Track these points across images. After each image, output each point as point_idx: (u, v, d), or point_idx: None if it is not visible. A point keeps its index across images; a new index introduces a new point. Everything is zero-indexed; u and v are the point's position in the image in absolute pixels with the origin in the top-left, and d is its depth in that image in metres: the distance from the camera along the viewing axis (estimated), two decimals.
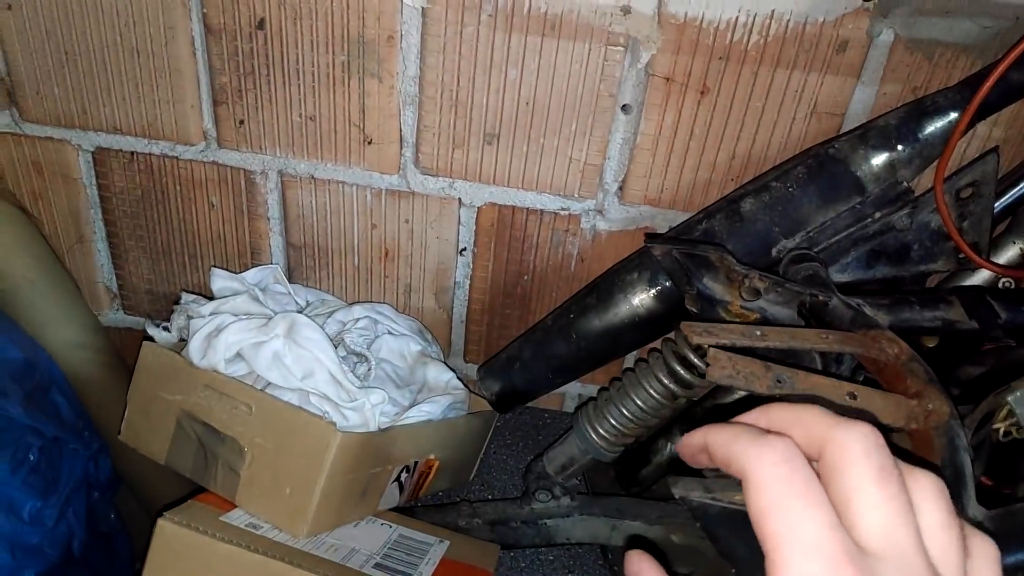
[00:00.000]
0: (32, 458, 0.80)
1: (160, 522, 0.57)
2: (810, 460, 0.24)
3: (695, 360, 0.55)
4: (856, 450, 0.23)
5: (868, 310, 0.54)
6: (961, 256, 0.71)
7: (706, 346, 0.45)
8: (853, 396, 0.44)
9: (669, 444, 0.84)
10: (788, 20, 0.75)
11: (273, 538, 0.60)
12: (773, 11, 0.74)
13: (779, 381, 0.44)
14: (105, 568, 1.00)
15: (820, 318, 0.54)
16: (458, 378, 0.83)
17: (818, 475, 0.23)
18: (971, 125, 0.67)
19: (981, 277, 0.75)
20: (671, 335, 0.63)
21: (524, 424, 1.00)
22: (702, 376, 0.65)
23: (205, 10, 0.79)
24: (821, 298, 0.54)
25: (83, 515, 0.91)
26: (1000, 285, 0.75)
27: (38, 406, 0.83)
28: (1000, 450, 0.54)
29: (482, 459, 0.93)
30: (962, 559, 0.23)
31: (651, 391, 0.64)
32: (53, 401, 0.88)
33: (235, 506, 0.63)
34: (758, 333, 0.48)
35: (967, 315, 0.55)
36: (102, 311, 1.02)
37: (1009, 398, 0.48)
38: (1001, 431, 0.50)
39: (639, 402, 0.65)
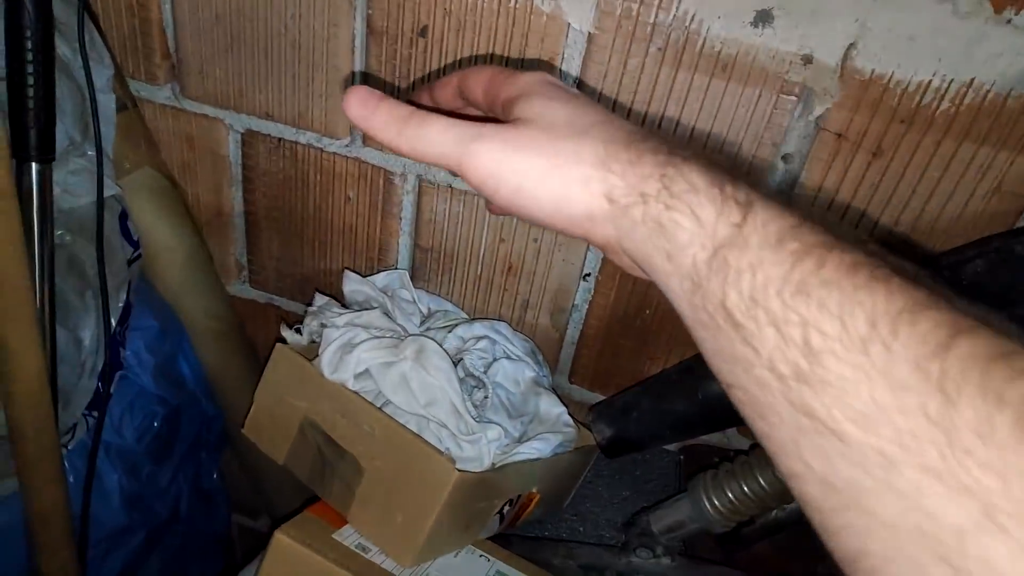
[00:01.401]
0: (156, 425, 0.84)
1: (277, 535, 0.59)
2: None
3: None
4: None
5: None
6: None
7: None
8: None
9: (776, 508, 0.81)
10: (988, 91, 0.68)
11: (380, 563, 0.61)
12: (972, 80, 0.68)
13: None
14: (205, 523, 1.06)
15: None
16: (568, 413, 0.81)
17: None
18: None
19: None
20: None
21: (621, 456, 0.98)
22: None
23: (370, 11, 0.79)
24: None
25: (191, 477, 0.96)
26: None
27: (166, 374, 0.87)
28: None
29: (576, 489, 0.92)
30: None
31: (779, 475, 0.61)
32: (179, 369, 0.92)
33: (346, 522, 0.65)
34: None
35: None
36: (230, 282, 1.05)
37: None
38: None
39: (765, 485, 0.62)
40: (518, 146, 0.34)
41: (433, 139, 0.35)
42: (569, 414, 0.82)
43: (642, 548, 0.72)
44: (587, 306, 0.93)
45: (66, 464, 0.72)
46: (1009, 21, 0.65)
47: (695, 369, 0.74)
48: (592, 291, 0.92)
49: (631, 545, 0.72)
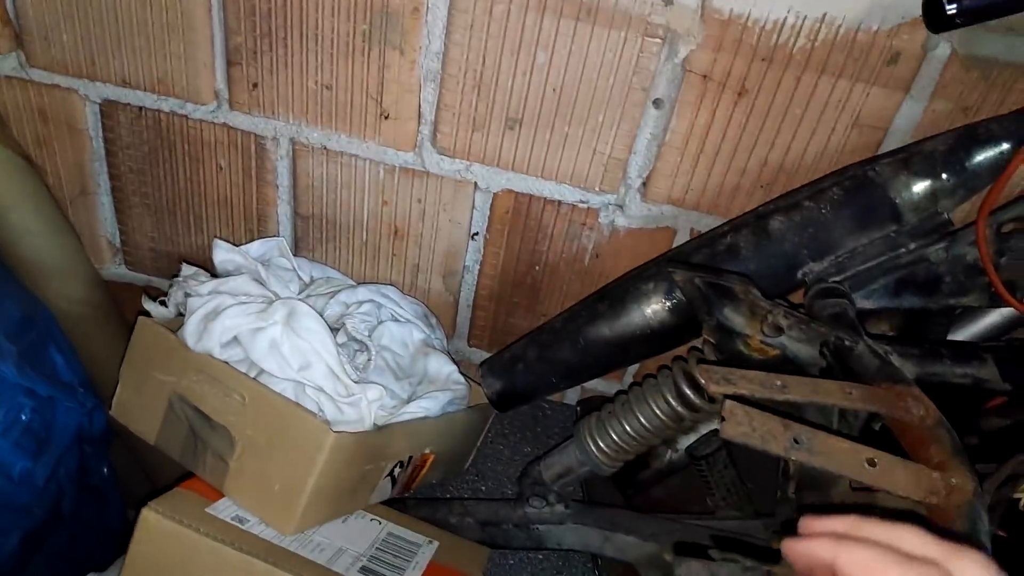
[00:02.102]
0: (24, 418, 0.79)
1: (144, 512, 0.56)
2: None
3: (690, 396, 0.53)
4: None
5: (895, 359, 0.51)
6: (994, 293, 0.67)
7: (721, 396, 0.43)
8: (872, 463, 0.41)
9: (669, 452, 0.82)
10: (840, 26, 0.70)
11: (259, 534, 0.59)
12: (825, 15, 0.70)
13: (796, 442, 0.41)
14: (95, 521, 1.01)
15: (843, 362, 0.51)
16: (460, 371, 0.81)
17: None
18: None
19: (1007, 315, 0.72)
20: (683, 356, 0.61)
21: (522, 415, 0.98)
22: (712, 400, 0.62)
23: None
24: (847, 343, 0.51)
25: (74, 472, 0.91)
26: None
27: (33, 364, 0.82)
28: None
29: (478, 449, 0.91)
30: None
31: (657, 411, 0.62)
32: (50, 358, 0.87)
33: (222, 495, 0.62)
34: (778, 384, 0.45)
35: (1000, 376, 0.52)
36: (103, 265, 1.00)
37: None
38: (1022, 501, 0.47)
39: (644, 421, 0.63)
40: None
41: None
42: (461, 372, 0.81)
43: (535, 497, 0.72)
44: (478, 267, 0.92)
45: None
46: None
47: (577, 316, 0.74)
48: (482, 251, 0.91)
49: (524, 495, 0.73)
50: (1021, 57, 0.69)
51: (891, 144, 0.75)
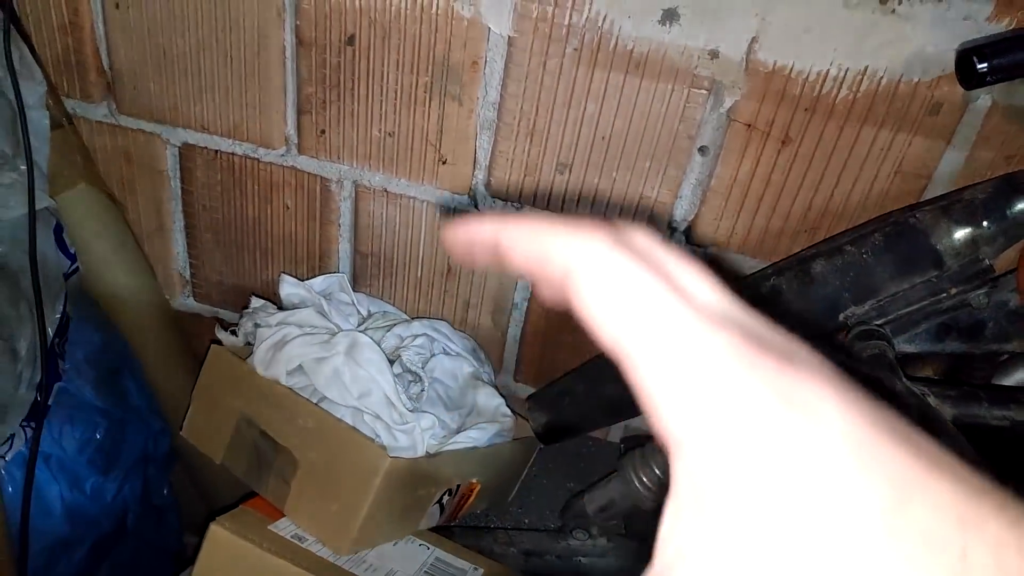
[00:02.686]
0: (98, 437, 0.85)
1: (212, 527, 0.60)
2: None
3: None
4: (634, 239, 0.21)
5: (933, 400, 0.52)
6: None
7: None
8: None
9: None
10: (881, 77, 0.73)
11: (316, 552, 0.62)
12: (867, 67, 0.72)
13: None
14: (155, 538, 1.05)
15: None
16: (507, 404, 0.83)
17: None
18: None
19: None
20: None
21: (566, 450, 1.00)
22: None
23: (298, 22, 0.81)
24: (886, 384, 0.52)
25: (139, 490, 0.96)
26: None
27: (108, 387, 0.88)
28: None
29: (522, 482, 0.93)
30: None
31: (646, 481, 0.64)
32: (122, 383, 0.92)
33: (283, 515, 0.66)
34: None
35: None
36: (174, 296, 1.06)
37: None
38: None
39: None
40: None
41: None
42: (508, 406, 0.84)
43: (578, 530, 0.74)
44: (526, 304, 0.96)
45: (3, 474, 0.72)
46: (893, 11, 0.69)
47: (601, 367, 0.76)
48: (530, 289, 0.94)
49: (568, 527, 0.74)
50: None
51: (934, 191, 0.77)
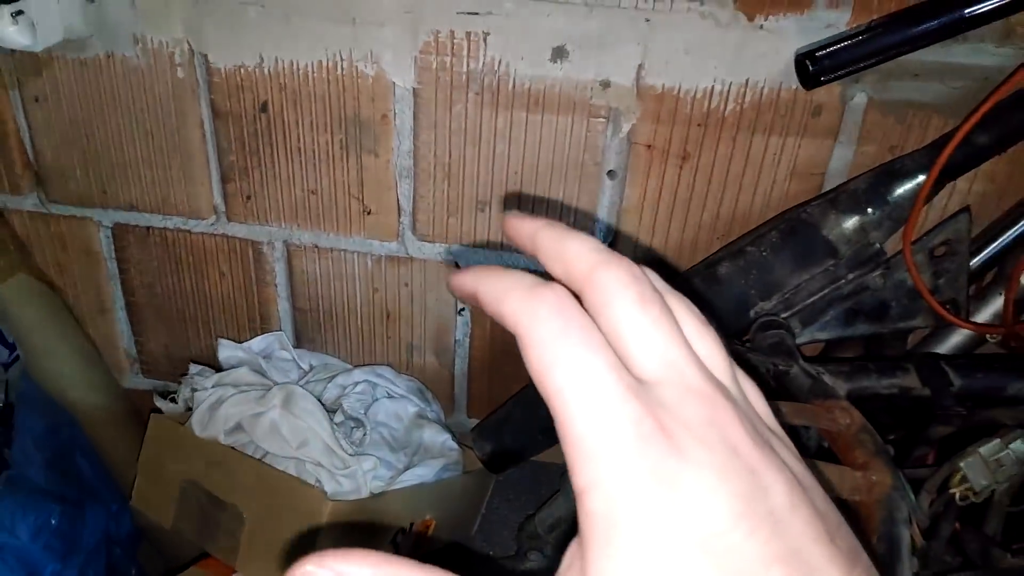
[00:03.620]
0: (53, 522, 0.85)
1: None
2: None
3: None
4: (614, 286, 0.22)
5: (827, 378, 0.56)
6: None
7: None
8: None
9: None
10: (763, 88, 0.78)
11: None
12: (747, 80, 0.77)
13: None
14: None
15: (782, 386, 0.56)
16: (454, 439, 0.85)
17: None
18: (938, 187, 0.69)
19: (963, 334, 0.76)
20: None
21: (526, 478, 1.02)
22: None
23: (212, 96, 0.85)
24: (782, 367, 0.56)
25: (103, 572, 0.95)
26: (988, 339, 0.76)
27: (60, 470, 0.88)
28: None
29: (484, 515, 0.95)
30: (728, 360, 0.23)
31: None
32: (76, 463, 0.93)
33: (234, 571, 0.67)
34: None
35: (920, 382, 0.56)
36: (123, 375, 1.07)
37: (961, 464, 0.50)
38: (957, 496, 0.51)
39: None
40: None
41: None
42: (456, 440, 0.86)
43: (533, 551, 0.75)
44: (468, 340, 0.98)
45: None
46: (761, 27, 0.75)
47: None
48: (469, 325, 0.97)
49: (523, 550, 0.76)
50: (930, 98, 0.76)
51: (830, 186, 0.82)
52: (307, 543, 0.65)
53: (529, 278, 0.22)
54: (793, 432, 0.56)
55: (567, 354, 0.20)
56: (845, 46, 0.57)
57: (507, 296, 0.22)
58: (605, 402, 0.19)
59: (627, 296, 0.21)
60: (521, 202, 0.86)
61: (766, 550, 0.19)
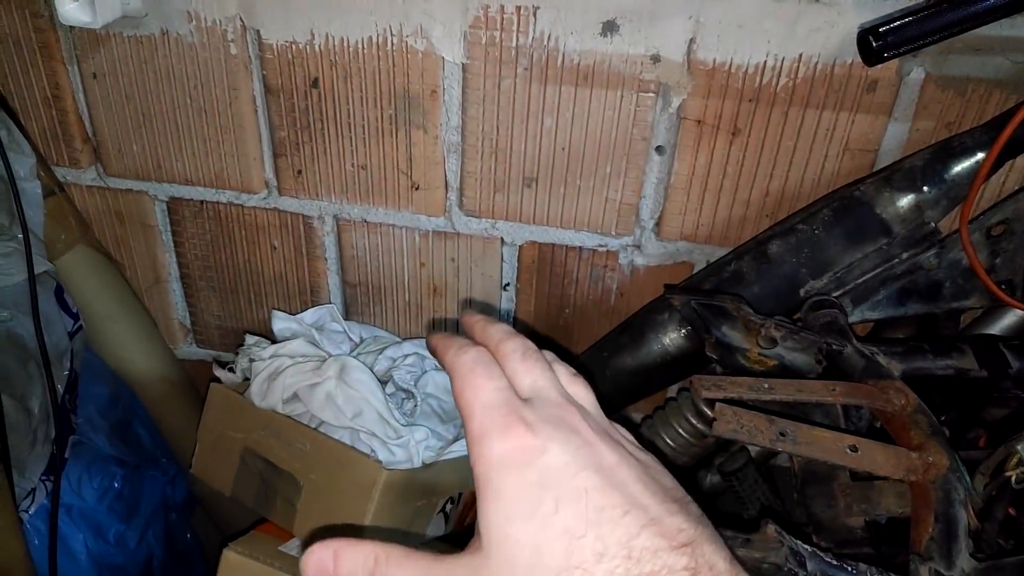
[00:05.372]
0: (116, 486, 0.88)
1: (225, 552, 0.64)
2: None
3: (706, 412, 0.58)
4: (509, 348, 0.36)
5: (882, 358, 0.55)
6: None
7: (711, 401, 0.48)
8: (854, 449, 0.46)
9: (708, 475, 0.86)
10: (816, 62, 0.76)
11: None
12: (801, 54, 0.76)
13: (782, 434, 0.46)
14: None
15: (835, 365, 0.56)
16: None
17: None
18: (998, 165, 0.68)
19: (1016, 315, 0.75)
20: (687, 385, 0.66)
21: None
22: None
23: (265, 72, 0.86)
24: (835, 347, 0.56)
25: (161, 536, 0.99)
26: None
27: (121, 437, 0.92)
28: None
29: None
30: (588, 391, 0.37)
31: (680, 430, 0.67)
32: (135, 432, 0.96)
33: (292, 536, 0.69)
34: (766, 386, 0.50)
35: (978, 364, 0.56)
36: (177, 345, 1.11)
37: (1019, 446, 0.50)
38: (1013, 479, 0.51)
39: (668, 440, 0.68)
40: None
41: None
42: None
43: None
44: (512, 315, 0.99)
45: (28, 528, 0.76)
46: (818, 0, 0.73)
47: (602, 349, 0.80)
48: (514, 299, 0.98)
49: None
50: (992, 73, 0.74)
51: (883, 164, 0.81)
52: (360, 508, 0.67)
53: (462, 341, 0.36)
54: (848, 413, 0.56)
55: (474, 381, 0.33)
56: (910, 21, 0.55)
57: (448, 350, 0.36)
58: (490, 403, 0.32)
59: (516, 353, 0.36)
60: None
61: (587, 483, 0.30)
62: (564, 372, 0.37)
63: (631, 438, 0.37)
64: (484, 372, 0.34)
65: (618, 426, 0.37)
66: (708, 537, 0.30)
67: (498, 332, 0.38)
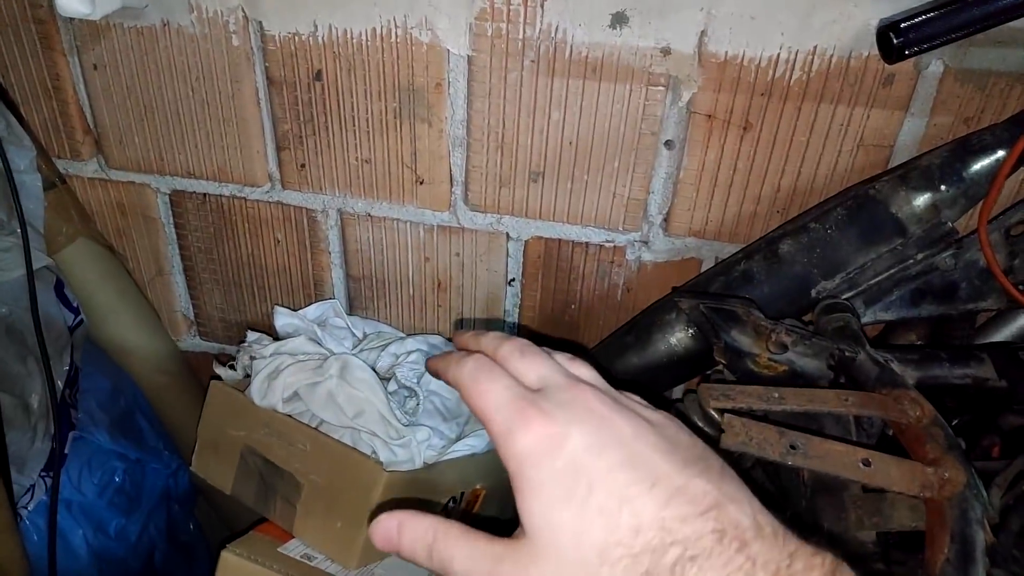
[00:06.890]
0: (117, 480, 0.88)
1: (223, 554, 0.63)
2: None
3: (715, 418, 0.57)
4: (507, 349, 0.38)
5: (896, 366, 0.54)
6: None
7: (720, 411, 0.47)
8: (867, 463, 0.45)
9: None
10: (831, 55, 0.74)
11: (326, 569, 0.65)
12: (815, 47, 0.74)
13: (792, 447, 0.45)
14: (185, 574, 1.08)
15: (847, 373, 0.55)
16: None
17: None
18: (1021, 162, 0.66)
19: None
20: (693, 390, 0.64)
21: None
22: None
23: (267, 64, 0.85)
24: (848, 353, 0.54)
25: (164, 528, 0.99)
26: None
27: (123, 430, 0.91)
28: None
29: None
30: (591, 369, 0.39)
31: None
32: (137, 424, 0.96)
33: (292, 536, 0.68)
34: (776, 396, 0.49)
35: (997, 374, 0.54)
36: (180, 337, 1.10)
37: None
38: None
39: None
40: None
41: (462, 562, 0.33)
42: None
43: None
44: (517, 311, 0.98)
45: (27, 524, 0.76)
46: None
47: (608, 348, 0.78)
48: (519, 295, 0.97)
49: None
50: (1014, 67, 0.72)
51: (899, 160, 0.78)
52: (360, 509, 0.66)
53: (459, 354, 0.38)
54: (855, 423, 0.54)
55: (481, 385, 0.35)
56: (933, 17, 0.53)
57: (448, 368, 0.38)
58: (504, 401, 0.34)
59: (515, 353, 0.38)
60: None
61: (612, 460, 0.32)
62: (563, 357, 0.39)
63: (641, 400, 0.38)
64: (487, 376, 0.35)
65: (625, 393, 0.39)
66: (731, 495, 0.31)
67: (491, 340, 0.40)
